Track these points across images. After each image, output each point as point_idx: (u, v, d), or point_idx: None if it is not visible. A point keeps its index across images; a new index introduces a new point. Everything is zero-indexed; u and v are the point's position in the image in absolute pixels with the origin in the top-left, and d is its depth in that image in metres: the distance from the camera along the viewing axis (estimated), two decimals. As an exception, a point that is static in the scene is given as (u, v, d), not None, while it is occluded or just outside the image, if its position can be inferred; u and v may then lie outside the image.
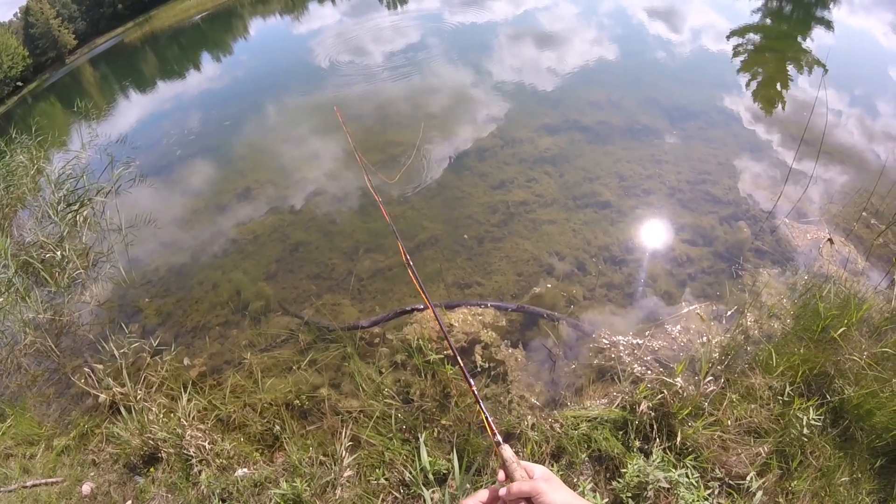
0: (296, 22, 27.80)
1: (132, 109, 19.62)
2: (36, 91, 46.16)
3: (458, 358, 1.74)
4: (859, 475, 3.10)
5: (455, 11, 17.59)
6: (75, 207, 8.67)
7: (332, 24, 20.85)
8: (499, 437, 1.37)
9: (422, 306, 5.07)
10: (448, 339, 1.77)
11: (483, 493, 1.24)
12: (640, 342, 4.30)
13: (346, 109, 10.80)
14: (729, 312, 4.47)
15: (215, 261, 7.07)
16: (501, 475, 1.28)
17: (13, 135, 12.91)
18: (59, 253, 7.35)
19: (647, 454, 3.31)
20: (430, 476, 3.44)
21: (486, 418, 1.48)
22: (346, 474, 3.60)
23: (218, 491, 3.70)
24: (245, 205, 8.25)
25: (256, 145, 10.78)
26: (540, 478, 1.22)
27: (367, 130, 9.52)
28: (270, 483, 3.71)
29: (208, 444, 4.02)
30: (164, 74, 26.44)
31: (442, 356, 4.32)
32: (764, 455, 3.22)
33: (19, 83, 53.51)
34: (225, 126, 12.64)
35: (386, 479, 3.56)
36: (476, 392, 1.59)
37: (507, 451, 1.30)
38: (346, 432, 3.84)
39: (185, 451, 4.00)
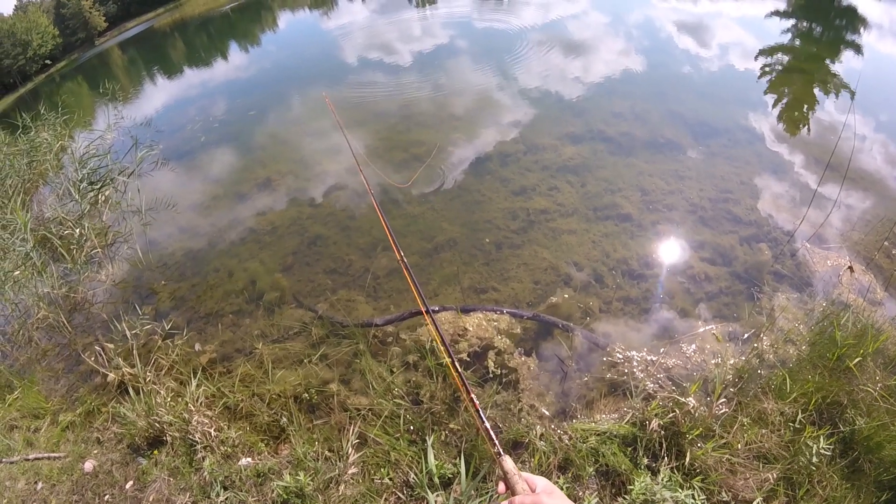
0: (324, 17, 27.89)
1: (158, 94, 19.79)
2: (64, 70, 46.70)
3: (458, 367, 1.73)
4: (864, 508, 3.07)
5: (484, 14, 17.58)
6: (97, 186, 8.76)
7: (361, 21, 20.90)
8: (499, 448, 1.34)
9: (437, 308, 5.06)
10: (447, 346, 1.75)
11: None
12: (654, 359, 4.26)
13: (371, 107, 10.84)
14: (745, 334, 4.42)
15: (232, 249, 7.10)
16: (502, 487, 1.25)
17: (41, 110, 13.04)
18: (77, 230, 7.42)
19: (655, 472, 3.28)
20: (436, 479, 3.42)
21: (487, 429, 1.45)
22: (350, 471, 3.60)
23: (221, 478, 3.70)
24: (265, 195, 8.28)
25: (279, 136, 10.83)
26: (542, 491, 1.19)
27: (391, 129, 9.55)
28: (274, 475, 3.71)
29: (214, 431, 4.03)
30: (192, 61, 26.65)
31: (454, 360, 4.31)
32: (772, 481, 3.19)
33: (48, 61, 54.15)
34: (249, 116, 12.71)
35: (390, 479, 3.55)
36: (475, 400, 1.57)
37: (507, 462, 1.27)
38: (353, 429, 3.84)
39: (190, 437, 4.02)
